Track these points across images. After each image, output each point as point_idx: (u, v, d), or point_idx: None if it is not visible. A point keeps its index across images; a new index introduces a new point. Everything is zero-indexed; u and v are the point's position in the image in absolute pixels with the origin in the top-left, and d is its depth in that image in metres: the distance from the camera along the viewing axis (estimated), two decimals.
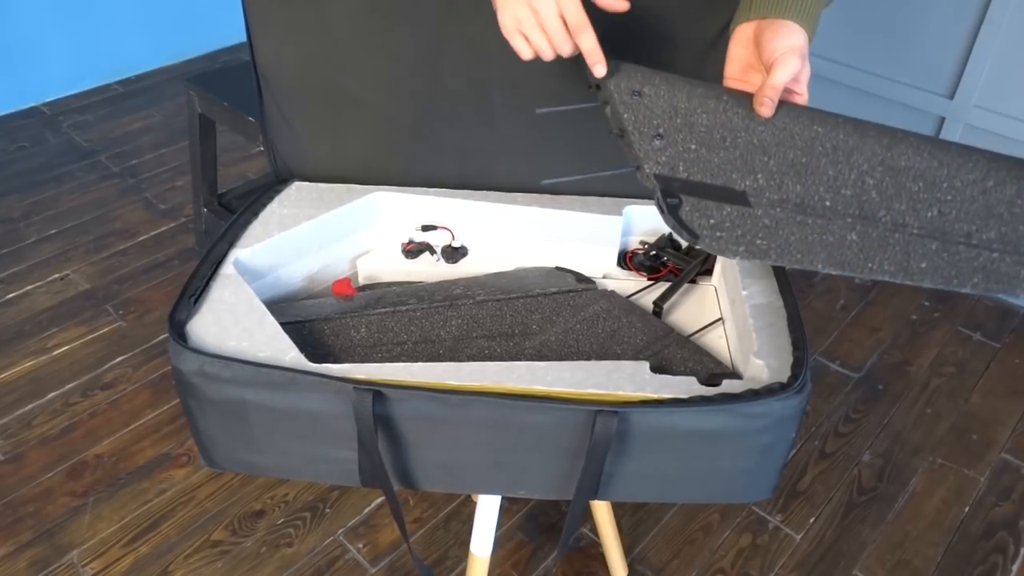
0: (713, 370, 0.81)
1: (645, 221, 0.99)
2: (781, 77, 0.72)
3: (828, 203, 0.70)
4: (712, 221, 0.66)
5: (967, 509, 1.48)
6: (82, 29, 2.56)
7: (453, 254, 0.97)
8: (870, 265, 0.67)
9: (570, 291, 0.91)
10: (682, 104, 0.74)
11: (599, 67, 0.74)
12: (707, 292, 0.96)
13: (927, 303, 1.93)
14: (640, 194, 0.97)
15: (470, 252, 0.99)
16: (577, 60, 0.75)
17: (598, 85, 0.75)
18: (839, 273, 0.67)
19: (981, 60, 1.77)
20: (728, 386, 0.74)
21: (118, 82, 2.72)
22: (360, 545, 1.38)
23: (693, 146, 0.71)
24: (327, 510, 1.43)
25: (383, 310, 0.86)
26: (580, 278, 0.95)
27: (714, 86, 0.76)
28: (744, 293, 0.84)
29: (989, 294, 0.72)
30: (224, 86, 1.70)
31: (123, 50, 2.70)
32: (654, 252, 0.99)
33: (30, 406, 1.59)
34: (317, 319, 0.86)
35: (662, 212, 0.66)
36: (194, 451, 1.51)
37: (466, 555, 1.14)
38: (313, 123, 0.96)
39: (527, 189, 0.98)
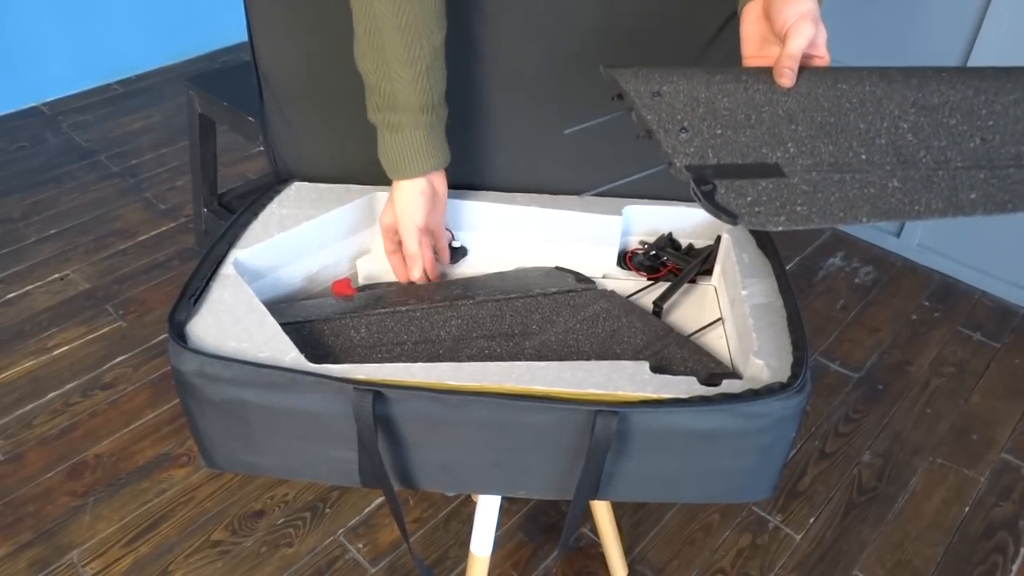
0: (713, 370, 0.81)
1: (645, 221, 0.99)
2: (797, 44, 0.71)
3: (864, 156, 0.69)
4: (749, 199, 0.65)
5: (967, 509, 1.48)
6: (82, 29, 2.56)
7: (453, 254, 0.97)
8: (917, 208, 0.65)
9: (570, 291, 0.91)
10: (702, 94, 0.74)
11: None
12: (707, 292, 0.96)
13: (927, 303, 1.93)
14: (640, 194, 0.97)
15: (470, 252, 0.99)
16: (598, 73, 0.78)
17: (620, 95, 0.76)
18: (886, 221, 0.66)
19: (982, 60, 1.77)
20: (728, 386, 0.74)
21: (118, 82, 2.72)
22: (360, 545, 1.38)
23: (719, 131, 0.71)
24: (327, 510, 1.43)
25: (383, 310, 0.87)
26: (580, 278, 0.95)
27: (731, 69, 0.76)
28: (744, 293, 0.84)
29: None
30: (224, 86, 1.70)
31: (123, 50, 2.70)
32: (654, 252, 0.99)
33: (30, 406, 1.59)
34: (317, 319, 0.86)
35: (699, 201, 0.66)
36: (194, 451, 1.51)
37: (466, 555, 1.14)
38: (313, 123, 0.96)
39: (527, 189, 0.98)
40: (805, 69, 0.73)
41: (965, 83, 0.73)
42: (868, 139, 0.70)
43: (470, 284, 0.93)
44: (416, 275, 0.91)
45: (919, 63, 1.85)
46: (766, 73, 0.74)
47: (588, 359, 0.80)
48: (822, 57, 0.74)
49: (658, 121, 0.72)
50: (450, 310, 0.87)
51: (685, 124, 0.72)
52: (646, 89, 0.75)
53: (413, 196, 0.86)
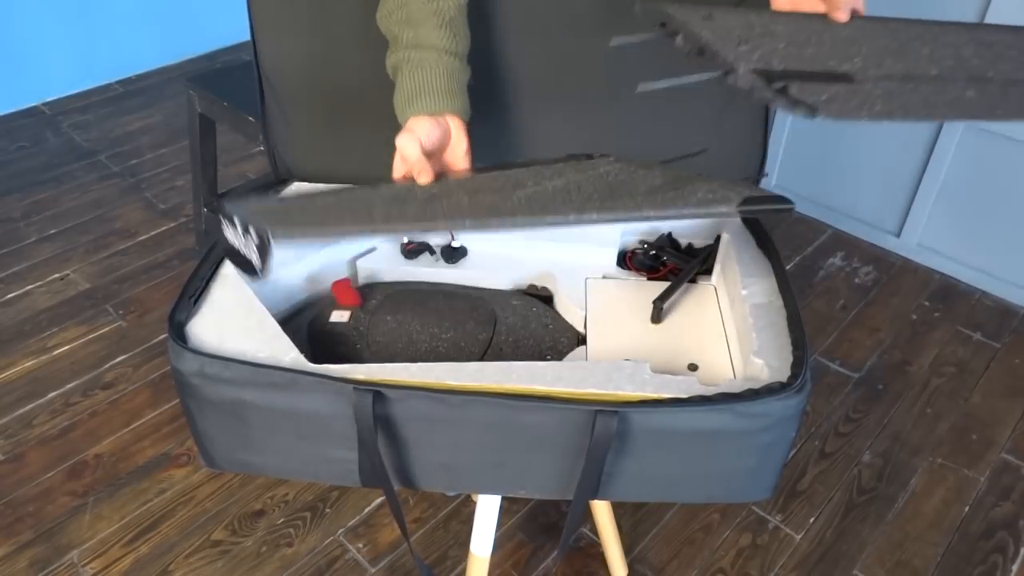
0: (749, 194, 0.71)
1: (645, 221, 0.99)
2: None
3: (935, 72, 0.68)
4: (824, 97, 0.64)
5: (967, 509, 1.48)
6: (82, 29, 2.57)
7: (452, 254, 0.98)
8: (999, 111, 0.65)
9: (578, 157, 0.82)
10: (755, 20, 0.72)
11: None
12: (707, 292, 0.96)
13: (927, 303, 1.93)
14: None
15: (469, 252, 0.99)
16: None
17: (663, 23, 0.73)
18: (970, 121, 0.66)
19: None
20: (728, 386, 0.74)
21: (118, 82, 2.72)
22: (360, 545, 1.38)
23: (781, 45, 0.69)
24: (327, 510, 1.43)
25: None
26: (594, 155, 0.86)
27: (777, 11, 0.75)
28: (744, 293, 0.84)
29: None
30: (224, 86, 1.70)
31: (123, 50, 2.70)
32: (654, 252, 0.99)
33: (30, 406, 1.59)
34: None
35: (769, 98, 0.64)
36: (194, 451, 1.51)
37: (466, 555, 1.14)
38: (313, 123, 0.96)
39: None
40: (854, 17, 0.72)
41: (1014, 31, 0.72)
42: (935, 60, 0.69)
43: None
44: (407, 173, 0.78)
45: None
46: (815, 17, 0.72)
47: (592, 202, 0.71)
48: (861, 12, 0.73)
49: (714, 37, 0.69)
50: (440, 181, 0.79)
51: (744, 38, 0.69)
52: (695, 14, 0.72)
53: (422, 122, 0.77)
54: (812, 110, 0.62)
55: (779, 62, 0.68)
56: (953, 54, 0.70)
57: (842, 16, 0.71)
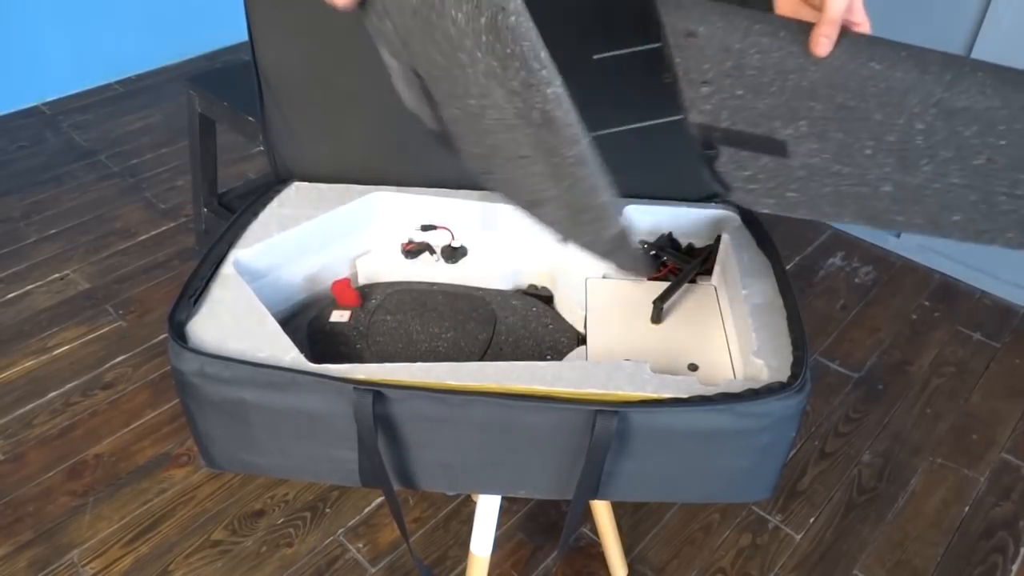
0: None
1: (645, 221, 0.99)
2: (836, 9, 0.66)
3: (869, 151, 0.67)
4: (747, 173, 0.64)
5: (967, 509, 1.48)
6: (82, 29, 2.56)
7: (453, 254, 0.97)
8: (900, 219, 0.64)
9: None
10: (736, 44, 0.70)
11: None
12: (707, 292, 0.96)
13: (927, 303, 1.93)
14: (641, 194, 0.97)
15: (470, 252, 0.99)
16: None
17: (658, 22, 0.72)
18: (867, 226, 0.65)
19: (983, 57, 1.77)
20: (728, 386, 0.74)
21: (118, 82, 2.72)
22: (360, 545, 1.38)
23: (740, 91, 0.69)
24: (327, 510, 1.43)
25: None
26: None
27: (774, 19, 0.72)
28: (744, 293, 0.84)
29: (1016, 247, 0.69)
30: (224, 86, 1.70)
31: (123, 50, 2.70)
32: (654, 252, 0.99)
33: (30, 406, 1.59)
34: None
35: (701, 162, 0.64)
36: (194, 451, 1.51)
37: (466, 555, 1.14)
38: (313, 123, 0.96)
39: None
40: (844, 36, 0.68)
41: (997, 91, 0.69)
42: (879, 134, 0.68)
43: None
44: None
45: None
46: (805, 33, 0.69)
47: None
48: (860, 23, 0.69)
49: (684, 69, 0.69)
50: None
51: (709, 77, 0.69)
52: (682, 27, 0.71)
53: None
54: (726, 189, 0.62)
55: (727, 116, 0.67)
56: (904, 125, 0.68)
57: (821, 51, 0.67)
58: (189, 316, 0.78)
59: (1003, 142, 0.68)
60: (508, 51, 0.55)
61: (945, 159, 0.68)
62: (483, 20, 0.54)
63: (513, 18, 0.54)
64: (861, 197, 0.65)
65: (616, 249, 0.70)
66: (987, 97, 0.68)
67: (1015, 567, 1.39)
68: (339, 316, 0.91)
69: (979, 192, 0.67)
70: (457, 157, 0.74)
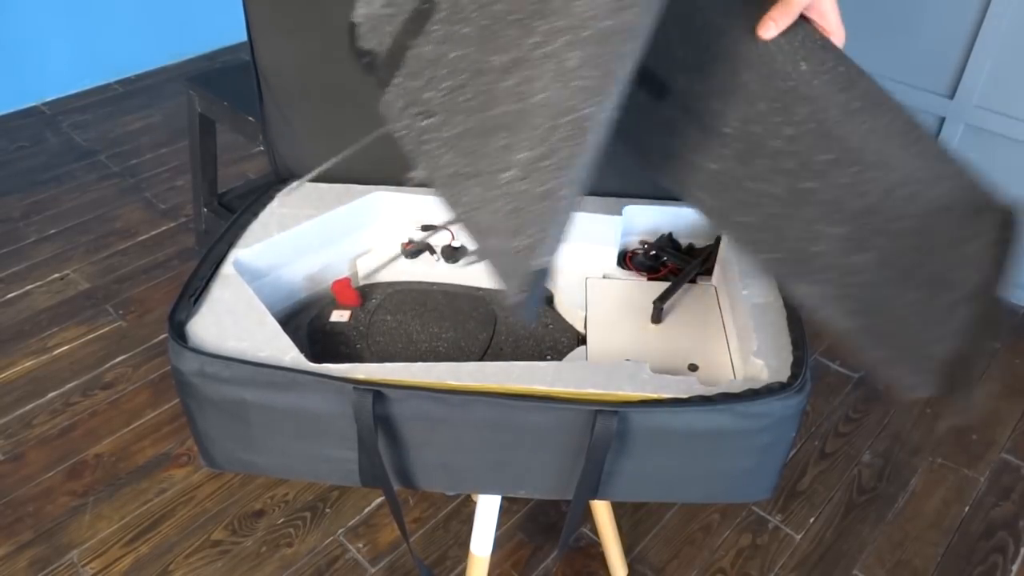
0: None
1: (645, 221, 0.99)
2: (797, 1, 0.64)
3: (728, 129, 0.66)
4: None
5: (967, 509, 1.48)
6: (82, 29, 2.57)
7: (453, 254, 0.97)
8: (700, 194, 0.65)
9: None
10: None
11: None
12: (707, 292, 0.96)
13: None
14: (640, 193, 0.97)
15: (470, 252, 0.99)
16: None
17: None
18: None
19: (982, 60, 1.77)
20: (728, 386, 0.74)
21: (118, 82, 2.72)
22: (360, 545, 1.38)
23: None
24: (327, 510, 1.43)
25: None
26: None
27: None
28: (744, 293, 0.84)
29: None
30: (224, 86, 1.70)
31: (123, 50, 2.70)
32: (654, 252, 0.99)
33: (30, 406, 1.59)
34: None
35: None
36: (194, 451, 1.51)
37: (466, 555, 1.14)
38: (313, 123, 0.96)
39: None
40: (797, 32, 0.66)
41: (888, 143, 0.65)
42: (751, 118, 0.66)
43: None
44: None
45: (918, 62, 1.85)
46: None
47: None
48: (831, 32, 0.68)
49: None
50: None
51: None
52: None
53: None
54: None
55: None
56: (774, 127, 0.65)
57: (762, 30, 0.65)
58: (189, 316, 0.78)
59: (845, 181, 0.65)
60: None
61: (783, 170, 0.66)
62: None
63: None
64: (694, 167, 0.65)
65: (524, 273, 0.65)
66: (866, 141, 0.66)
67: (1015, 567, 1.39)
68: (339, 316, 0.91)
69: (786, 213, 0.66)
70: (384, 90, 0.72)
